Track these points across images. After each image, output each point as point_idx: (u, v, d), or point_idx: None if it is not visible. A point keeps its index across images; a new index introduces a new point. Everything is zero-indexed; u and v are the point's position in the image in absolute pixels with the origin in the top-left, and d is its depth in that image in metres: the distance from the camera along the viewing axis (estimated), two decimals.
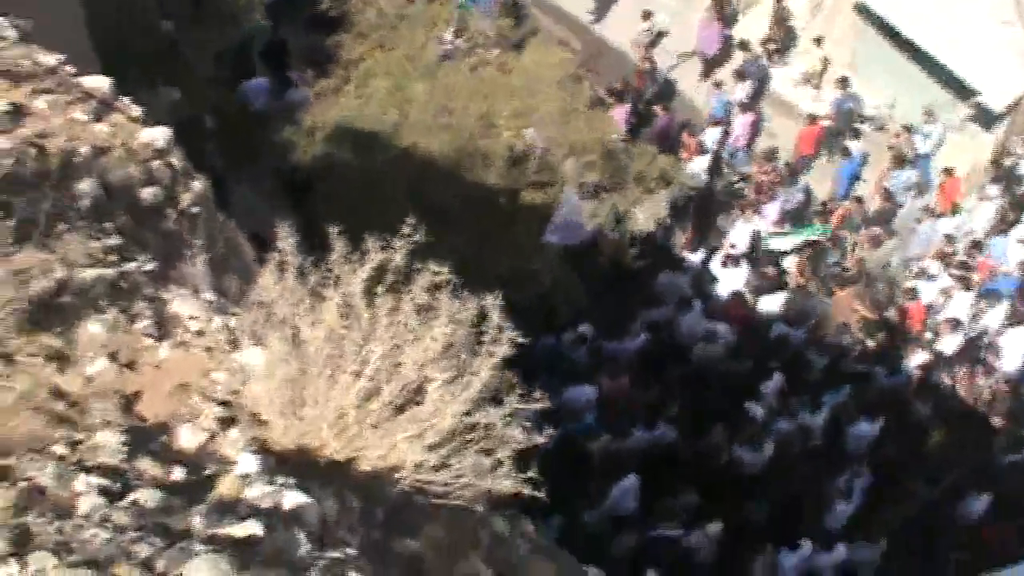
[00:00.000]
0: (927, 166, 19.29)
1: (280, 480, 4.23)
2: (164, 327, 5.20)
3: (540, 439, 4.59)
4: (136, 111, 7.38)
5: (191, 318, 5.26)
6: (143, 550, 3.89)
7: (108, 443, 4.44)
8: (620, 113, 17.99)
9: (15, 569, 3.70)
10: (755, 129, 20.14)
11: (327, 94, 14.67)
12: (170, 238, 6.27)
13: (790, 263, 18.11)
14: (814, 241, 18.30)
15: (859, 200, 18.92)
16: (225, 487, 4.22)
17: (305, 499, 4.13)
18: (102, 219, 6.01)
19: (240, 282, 6.24)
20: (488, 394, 4.55)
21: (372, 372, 4.39)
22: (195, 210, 6.54)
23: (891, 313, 17.55)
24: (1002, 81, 18.05)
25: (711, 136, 19.44)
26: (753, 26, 20.99)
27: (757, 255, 18.17)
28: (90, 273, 5.43)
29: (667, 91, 20.59)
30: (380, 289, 4.56)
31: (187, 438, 4.59)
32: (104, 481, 4.19)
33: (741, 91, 20.05)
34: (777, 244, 18.13)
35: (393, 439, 4.43)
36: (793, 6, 20.56)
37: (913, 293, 17.30)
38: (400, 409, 4.48)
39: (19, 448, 4.47)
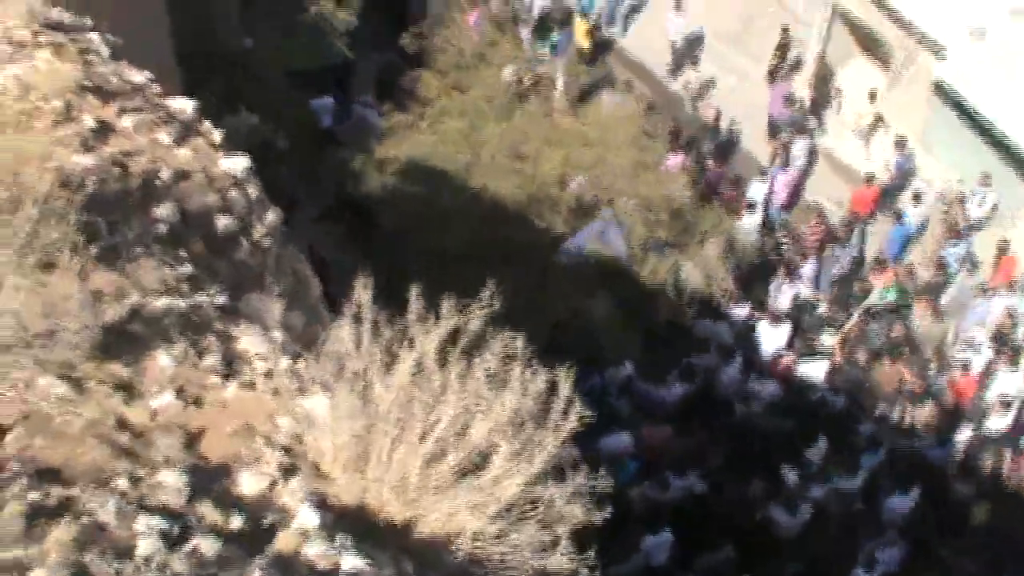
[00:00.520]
0: (976, 234, 18.94)
1: (339, 539, 4.14)
2: (232, 364, 5.14)
3: (599, 517, 4.48)
4: (217, 136, 7.37)
5: (259, 357, 5.20)
6: None
7: (170, 483, 4.38)
8: (674, 162, 17.85)
9: None
10: (797, 187, 19.89)
11: (401, 128, 14.66)
12: (242, 269, 6.23)
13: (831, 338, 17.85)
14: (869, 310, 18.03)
15: (909, 269, 18.65)
16: (284, 542, 4.14)
17: (363, 564, 4.04)
18: (177, 246, 5.98)
19: (306, 320, 6.18)
20: (551, 469, 4.46)
21: (439, 436, 4.30)
22: (267, 242, 6.50)
23: (941, 385, 17.25)
24: None
25: (756, 191, 19.20)
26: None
27: (800, 318, 17.92)
28: (163, 302, 5.39)
29: (728, 145, 20.46)
30: (453, 352, 4.48)
31: (248, 483, 4.52)
32: (164, 524, 4.12)
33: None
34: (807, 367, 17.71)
35: (454, 505, 4.34)
36: (872, 79, 20.35)
37: (965, 365, 16.99)
38: (463, 476, 4.39)
39: (83, 478, 4.42)
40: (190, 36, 12.91)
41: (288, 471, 4.58)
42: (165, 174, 6.50)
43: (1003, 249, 18.38)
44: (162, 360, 5.05)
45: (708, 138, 19.97)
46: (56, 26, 7.44)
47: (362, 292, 4.58)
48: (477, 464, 4.42)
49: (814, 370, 16.93)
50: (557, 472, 4.56)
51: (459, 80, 15.34)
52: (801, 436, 15.79)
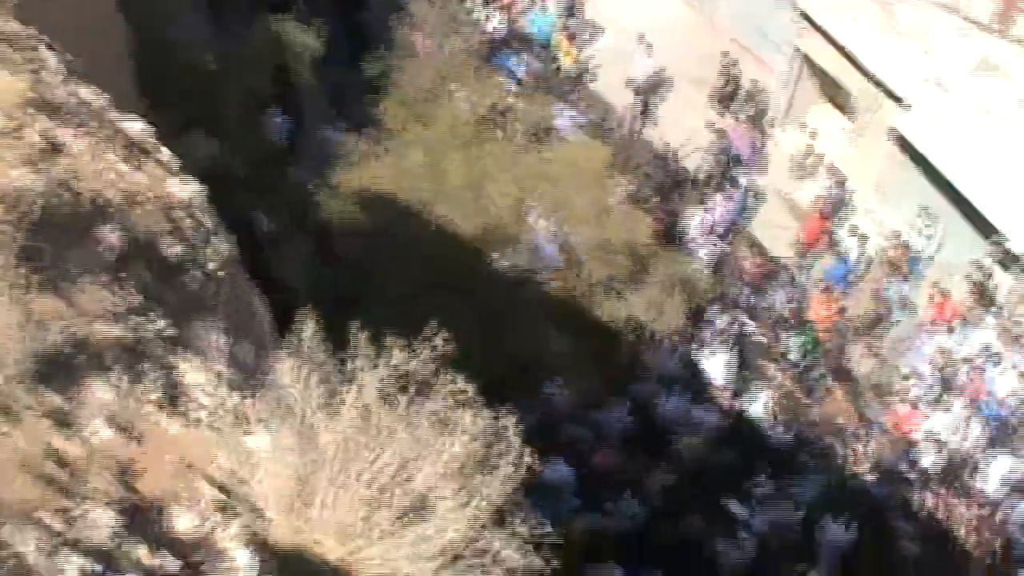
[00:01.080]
0: (921, 271, 19.01)
1: None
2: (174, 398, 4.89)
3: (537, 562, 4.28)
4: (172, 161, 7.11)
5: (202, 391, 4.96)
6: None
7: (102, 521, 4.12)
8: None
9: None
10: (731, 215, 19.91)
11: (363, 156, 14.38)
12: (190, 299, 5.97)
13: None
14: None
15: (842, 309, 18.72)
16: None
17: None
18: (124, 273, 5.72)
19: (256, 351, 5.94)
20: (494, 514, 4.26)
21: (383, 481, 4.09)
22: (219, 273, 6.24)
23: (882, 419, 17.25)
24: None
25: (694, 223, 19.21)
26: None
27: (742, 347, 17.87)
28: (105, 331, 5.13)
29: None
30: (397, 393, 4.27)
31: (184, 522, 4.27)
32: (94, 566, 3.86)
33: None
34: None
35: (396, 551, 4.12)
36: (833, 124, 20.44)
37: (909, 399, 17.04)
38: (405, 521, 4.17)
39: (10, 514, 4.15)
40: (150, 56, 12.60)
41: (226, 511, 4.33)
42: (115, 198, 6.23)
43: (944, 292, 18.44)
44: (101, 391, 4.79)
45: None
46: (6, 39, 7.13)
47: (306, 327, 4.37)
48: (420, 509, 4.21)
49: (757, 401, 16.89)
50: (498, 516, 4.36)
51: (422, 111, 15.06)
52: (743, 467, 15.72)
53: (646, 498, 14.67)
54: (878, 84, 18.56)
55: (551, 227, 14.42)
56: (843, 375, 17.91)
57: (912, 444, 16.55)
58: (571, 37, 21.51)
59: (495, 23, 21.19)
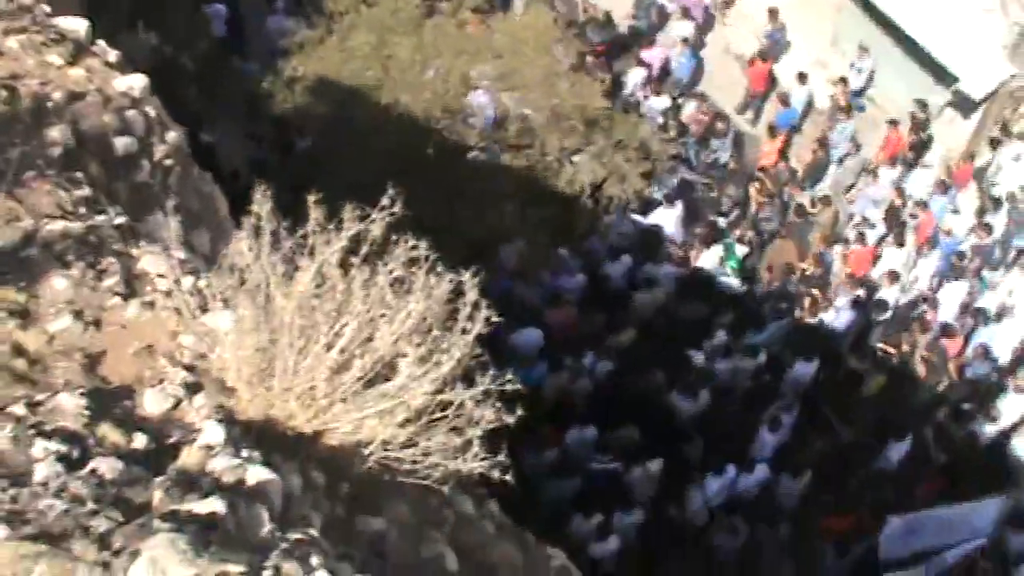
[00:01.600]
0: (858, 104, 18.91)
1: (245, 453, 3.84)
2: (132, 285, 4.76)
3: (510, 419, 4.22)
4: (113, 56, 6.84)
5: (160, 277, 4.82)
6: (100, 525, 3.50)
7: (69, 406, 4.02)
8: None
9: None
10: (665, 62, 19.53)
11: (310, 44, 13.88)
12: (142, 191, 5.79)
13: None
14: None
15: (785, 158, 18.65)
16: (188, 458, 3.83)
17: (269, 475, 3.74)
18: (73, 169, 5.52)
19: (213, 239, 5.79)
20: (460, 373, 4.18)
21: (344, 345, 4.00)
22: (169, 163, 6.05)
23: (835, 261, 17.32)
24: (983, 69, 17.59)
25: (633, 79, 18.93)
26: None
27: (690, 199, 17.70)
28: (58, 225, 4.97)
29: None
30: (356, 260, 4.15)
31: (151, 403, 4.18)
32: (63, 447, 3.77)
33: (681, 29, 19.62)
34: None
35: (362, 414, 4.05)
36: None
37: (860, 237, 17.09)
38: (370, 384, 4.10)
39: None
40: None
41: (192, 389, 4.24)
42: (57, 95, 5.99)
43: (894, 123, 18.33)
44: (58, 283, 4.65)
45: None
46: None
47: (261, 203, 4.22)
48: (384, 372, 4.13)
49: (710, 254, 16.82)
50: (466, 375, 4.29)
51: None
52: (703, 320, 15.74)
53: (607, 356, 14.61)
54: None
55: (494, 98, 14.02)
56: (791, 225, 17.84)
57: (868, 283, 16.67)
58: None
59: None
